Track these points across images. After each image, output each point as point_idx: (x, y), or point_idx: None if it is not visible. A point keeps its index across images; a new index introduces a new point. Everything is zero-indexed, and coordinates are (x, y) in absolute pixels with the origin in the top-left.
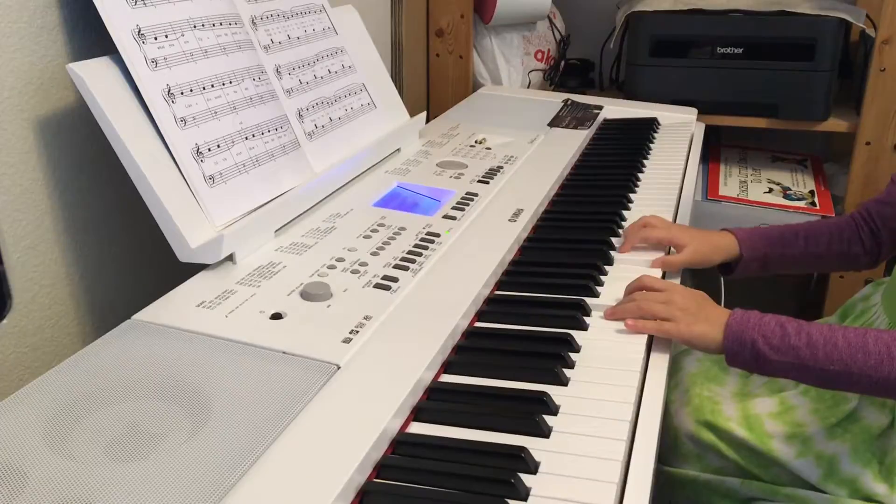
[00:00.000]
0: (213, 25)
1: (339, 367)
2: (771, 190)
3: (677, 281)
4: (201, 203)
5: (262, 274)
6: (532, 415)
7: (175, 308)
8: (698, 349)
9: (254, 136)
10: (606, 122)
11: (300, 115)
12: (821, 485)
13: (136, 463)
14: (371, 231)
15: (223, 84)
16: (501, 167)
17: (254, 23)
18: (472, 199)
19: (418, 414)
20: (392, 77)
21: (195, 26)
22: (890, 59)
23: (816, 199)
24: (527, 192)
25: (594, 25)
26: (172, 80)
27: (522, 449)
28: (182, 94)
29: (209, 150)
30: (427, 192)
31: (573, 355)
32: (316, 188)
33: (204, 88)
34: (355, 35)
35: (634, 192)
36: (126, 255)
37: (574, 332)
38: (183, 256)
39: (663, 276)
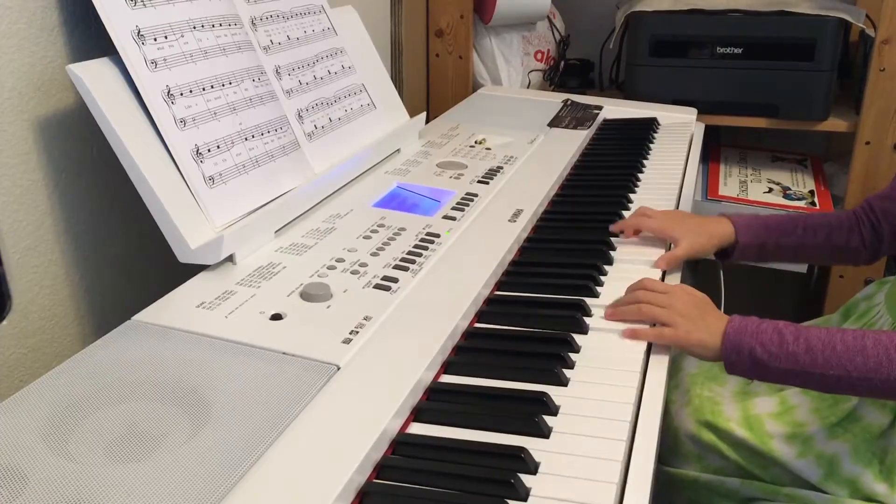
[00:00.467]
0: (213, 26)
1: (338, 368)
2: (771, 190)
3: (678, 279)
4: (201, 204)
5: (262, 274)
6: (532, 415)
7: (175, 309)
8: (697, 357)
9: (253, 136)
10: (606, 122)
11: (300, 116)
12: (821, 485)
13: (136, 464)
14: (371, 231)
15: (223, 85)
16: (501, 167)
17: (253, 23)
18: (471, 200)
19: (418, 414)
20: (392, 77)
21: (195, 27)
22: (889, 58)
23: (816, 199)
24: (527, 192)
25: (594, 25)
26: (172, 80)
27: (522, 449)
28: (182, 94)
29: (209, 150)
30: (427, 192)
31: (573, 356)
32: (316, 189)
33: (203, 89)
34: (355, 36)
35: (634, 192)
36: (126, 256)
37: (574, 333)
38: (183, 257)
39: (662, 278)
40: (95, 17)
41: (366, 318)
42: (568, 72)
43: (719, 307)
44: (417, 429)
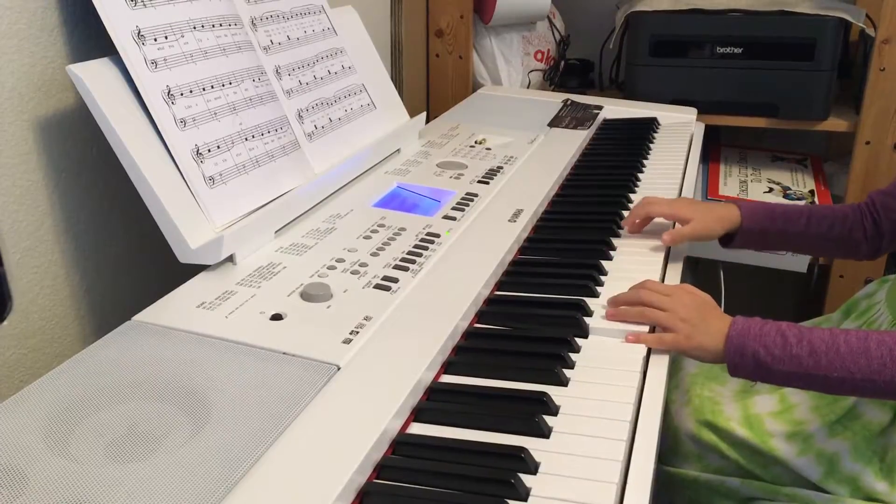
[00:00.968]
0: (213, 26)
1: (339, 368)
2: (771, 189)
3: (678, 278)
4: (201, 204)
5: (263, 275)
6: (532, 415)
7: (175, 309)
8: (700, 360)
9: (254, 136)
10: (606, 122)
11: (300, 116)
12: (822, 483)
13: (136, 464)
14: (371, 231)
15: (223, 85)
16: (501, 167)
17: (253, 24)
18: (472, 200)
19: (418, 414)
20: (392, 77)
21: (195, 27)
22: (889, 58)
23: (816, 199)
24: (527, 192)
25: (594, 25)
26: (172, 81)
27: (522, 449)
28: (182, 95)
29: (209, 150)
30: (427, 192)
31: (573, 356)
32: (316, 189)
33: (204, 89)
34: (355, 36)
35: (634, 192)
36: (126, 257)
37: (574, 332)
38: (183, 257)
39: (663, 277)
40: (95, 18)
41: (366, 319)
42: (568, 72)
43: (719, 306)
44: (417, 429)
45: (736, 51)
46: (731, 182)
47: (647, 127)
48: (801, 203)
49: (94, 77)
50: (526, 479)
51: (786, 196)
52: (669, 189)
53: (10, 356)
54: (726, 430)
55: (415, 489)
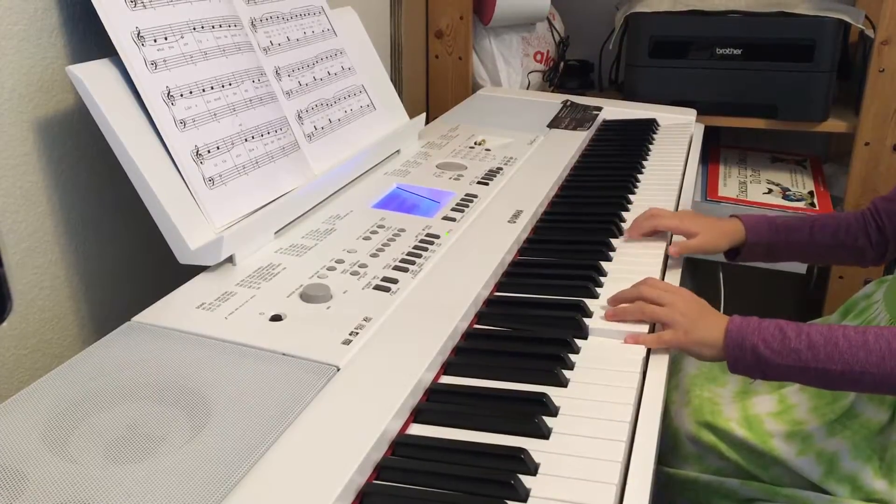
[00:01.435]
0: (213, 27)
1: (338, 369)
2: (770, 191)
3: (677, 281)
4: (201, 205)
5: (262, 275)
6: (532, 416)
7: (175, 310)
8: (699, 357)
9: (253, 137)
10: (606, 123)
11: (300, 117)
12: (822, 483)
13: (135, 465)
14: (371, 232)
15: (223, 86)
16: (501, 168)
17: (253, 25)
18: (471, 201)
19: (418, 415)
20: (391, 78)
21: (194, 28)
22: (889, 59)
23: (816, 200)
24: (526, 193)
25: (593, 26)
26: (172, 81)
27: (522, 450)
28: (181, 95)
29: (209, 151)
30: (427, 193)
31: (573, 356)
32: (315, 190)
33: (203, 90)
34: (355, 37)
35: (634, 193)
36: (126, 257)
37: (574, 333)
38: (183, 258)
39: (662, 276)
40: (95, 19)
41: (366, 319)
42: (567, 73)
43: (719, 308)
44: (417, 430)
45: (735, 52)
46: (730, 183)
47: (647, 128)
48: (804, 213)
49: (93, 78)
50: (525, 479)
51: (785, 197)
52: (669, 190)
53: (10, 357)
54: (726, 430)
55: (414, 490)
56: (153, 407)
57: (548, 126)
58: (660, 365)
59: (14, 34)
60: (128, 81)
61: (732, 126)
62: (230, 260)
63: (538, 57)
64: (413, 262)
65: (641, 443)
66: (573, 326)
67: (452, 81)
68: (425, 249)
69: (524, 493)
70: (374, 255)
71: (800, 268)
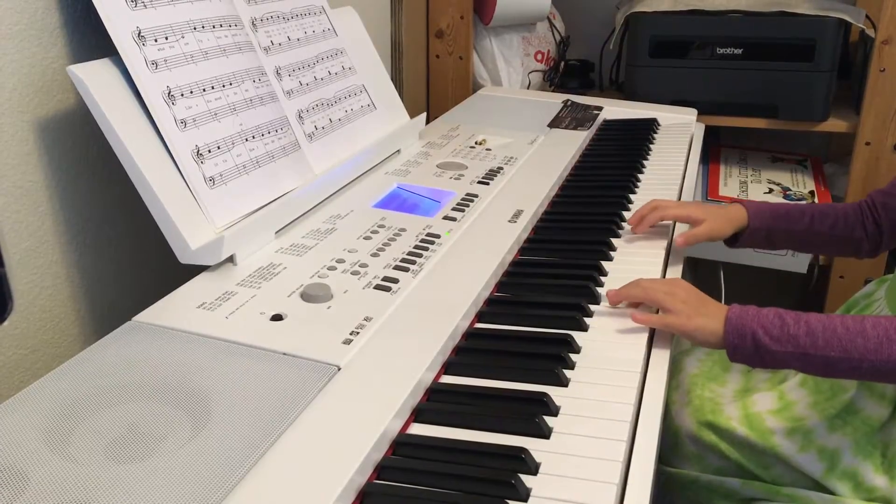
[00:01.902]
0: (214, 27)
1: (339, 369)
2: (771, 190)
3: (678, 273)
4: (201, 204)
5: (263, 275)
6: (532, 416)
7: (175, 309)
8: (699, 343)
9: (254, 137)
10: (606, 122)
11: (300, 117)
12: (824, 480)
13: (136, 464)
14: (371, 232)
15: (223, 86)
16: (501, 168)
17: (254, 24)
18: (472, 200)
19: (418, 415)
20: (392, 78)
21: (195, 28)
22: (889, 59)
23: (816, 200)
24: (527, 193)
25: (594, 26)
26: (173, 81)
27: (523, 450)
28: (182, 95)
29: (209, 151)
30: (427, 193)
31: (573, 356)
32: (316, 189)
33: (204, 90)
34: (355, 36)
35: (634, 192)
36: (126, 257)
37: (574, 333)
38: (183, 258)
39: (663, 275)
40: (96, 18)
41: (366, 319)
42: (568, 72)
43: None
44: (418, 429)
45: (736, 51)
46: (731, 183)
47: (647, 128)
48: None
49: (94, 78)
50: (526, 479)
51: (786, 197)
52: (669, 190)
53: (11, 356)
54: (727, 429)
55: (415, 490)
56: (154, 406)
57: (548, 126)
58: (660, 364)
59: (15, 34)
60: (128, 81)
61: (733, 126)
62: (231, 259)
63: (539, 56)
64: (413, 262)
65: (642, 442)
66: (574, 326)
67: (453, 81)
68: (426, 249)
69: (525, 493)
70: (374, 255)
71: (800, 267)
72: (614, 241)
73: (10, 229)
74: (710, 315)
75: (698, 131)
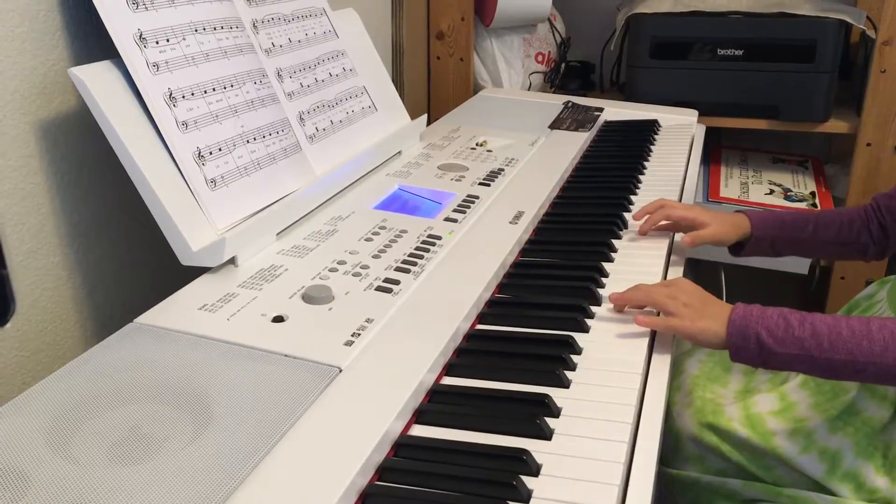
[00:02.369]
0: (215, 29)
1: (340, 370)
2: (772, 191)
3: (679, 275)
4: (203, 206)
5: (264, 277)
6: (534, 417)
7: (177, 311)
8: (702, 345)
9: (255, 139)
10: (607, 123)
11: (301, 118)
12: (825, 481)
13: (138, 466)
14: (372, 234)
15: (224, 88)
16: (502, 169)
17: (255, 26)
18: (473, 202)
19: (420, 416)
20: (393, 80)
21: (196, 30)
22: (890, 60)
23: (817, 201)
24: (528, 194)
25: (594, 27)
26: (174, 83)
27: (524, 451)
28: (183, 97)
29: (210, 153)
30: (428, 194)
31: (575, 357)
32: (317, 191)
33: (205, 92)
34: (356, 38)
35: (635, 193)
36: (128, 259)
37: (575, 335)
38: (185, 259)
39: (664, 277)
40: (97, 21)
41: (367, 321)
42: (569, 74)
43: None
44: (419, 431)
45: (737, 53)
46: (731, 184)
47: (648, 129)
48: (807, 209)
49: (96, 80)
50: (528, 480)
51: (787, 198)
52: (671, 191)
53: (13, 358)
54: (728, 431)
55: (416, 491)
56: (155, 408)
57: (549, 127)
58: (662, 366)
59: (16, 36)
60: (130, 83)
61: (734, 127)
62: (232, 261)
63: (539, 58)
64: (415, 264)
65: (643, 444)
66: (575, 327)
67: (454, 83)
68: (427, 250)
69: (526, 494)
70: (375, 257)
71: (801, 268)
72: (615, 242)
73: (11, 231)
74: (713, 316)
75: (699, 132)
